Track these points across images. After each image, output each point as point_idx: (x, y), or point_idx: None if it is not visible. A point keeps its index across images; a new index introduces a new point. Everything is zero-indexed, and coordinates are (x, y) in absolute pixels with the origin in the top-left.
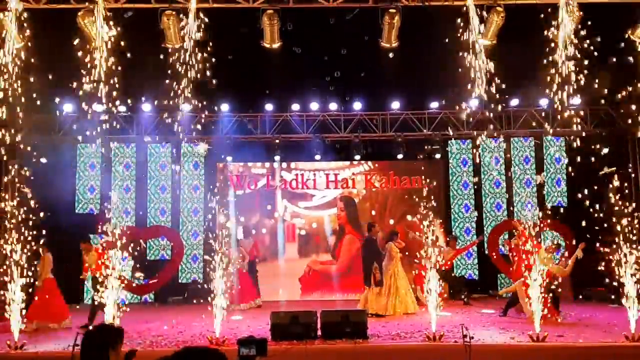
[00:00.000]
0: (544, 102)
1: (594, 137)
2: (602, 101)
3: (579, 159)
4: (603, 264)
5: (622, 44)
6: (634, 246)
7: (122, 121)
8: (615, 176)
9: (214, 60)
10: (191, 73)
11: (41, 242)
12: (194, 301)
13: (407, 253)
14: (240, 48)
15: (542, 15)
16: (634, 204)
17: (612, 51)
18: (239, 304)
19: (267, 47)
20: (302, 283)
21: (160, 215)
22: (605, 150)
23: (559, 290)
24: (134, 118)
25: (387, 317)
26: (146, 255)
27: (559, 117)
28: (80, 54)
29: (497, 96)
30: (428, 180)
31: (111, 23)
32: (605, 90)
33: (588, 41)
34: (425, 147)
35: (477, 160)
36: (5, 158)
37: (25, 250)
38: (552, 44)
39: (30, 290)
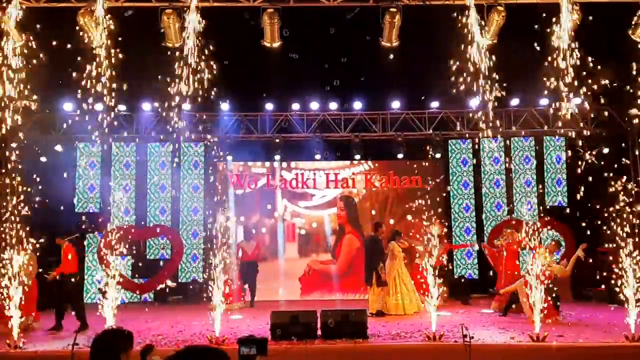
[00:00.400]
0: (544, 102)
1: (595, 137)
2: (603, 101)
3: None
4: (603, 264)
5: (623, 44)
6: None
7: (122, 120)
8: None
9: (214, 59)
10: (191, 72)
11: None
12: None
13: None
14: (240, 47)
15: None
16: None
17: (613, 51)
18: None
19: (268, 46)
20: (302, 283)
21: (160, 214)
22: (606, 150)
23: (556, 289)
24: (133, 117)
25: (388, 316)
26: (146, 255)
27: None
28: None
29: (498, 96)
30: (429, 179)
31: (110, 22)
32: (606, 90)
33: (588, 41)
34: (426, 147)
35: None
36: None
37: (25, 249)
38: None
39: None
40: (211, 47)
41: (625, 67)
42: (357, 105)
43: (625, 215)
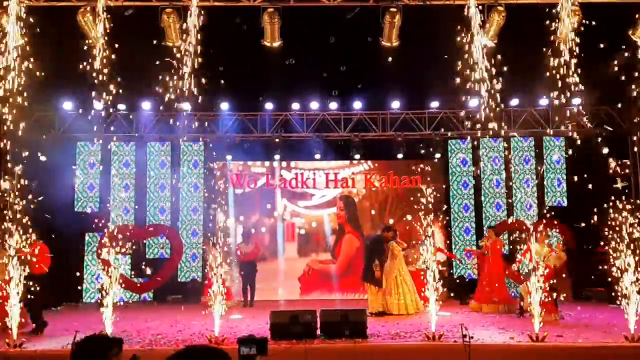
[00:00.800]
0: (544, 102)
1: (595, 138)
2: (603, 101)
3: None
4: (603, 264)
5: (623, 44)
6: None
7: (122, 119)
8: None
9: (214, 59)
10: (191, 71)
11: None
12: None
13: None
14: (240, 47)
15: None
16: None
17: (613, 51)
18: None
19: (268, 45)
20: (302, 282)
21: (160, 213)
22: (606, 151)
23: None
24: (133, 116)
25: (388, 316)
26: (145, 254)
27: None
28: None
29: (498, 96)
30: (429, 179)
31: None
32: (606, 90)
33: (589, 41)
34: (425, 147)
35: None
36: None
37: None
38: (553, 44)
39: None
40: (211, 47)
41: (625, 67)
42: (357, 105)
43: (624, 216)
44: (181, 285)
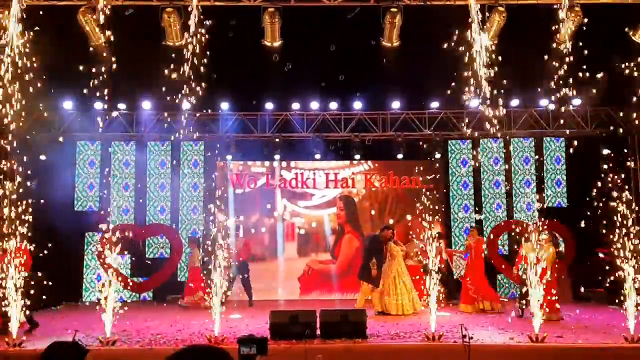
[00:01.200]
0: (544, 103)
1: (595, 138)
2: (603, 101)
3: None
4: (602, 265)
5: (624, 45)
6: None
7: (122, 119)
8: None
9: (214, 58)
10: (191, 71)
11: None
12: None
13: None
14: (241, 46)
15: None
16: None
17: (614, 52)
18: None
19: (268, 45)
20: (301, 282)
21: (160, 213)
22: (606, 151)
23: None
24: (133, 116)
25: (388, 316)
26: (145, 254)
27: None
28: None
29: (498, 96)
30: (430, 178)
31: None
32: (606, 91)
33: (589, 41)
34: (425, 147)
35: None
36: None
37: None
38: (554, 44)
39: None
40: (212, 46)
41: (625, 67)
42: (357, 105)
43: (624, 216)
44: (181, 285)
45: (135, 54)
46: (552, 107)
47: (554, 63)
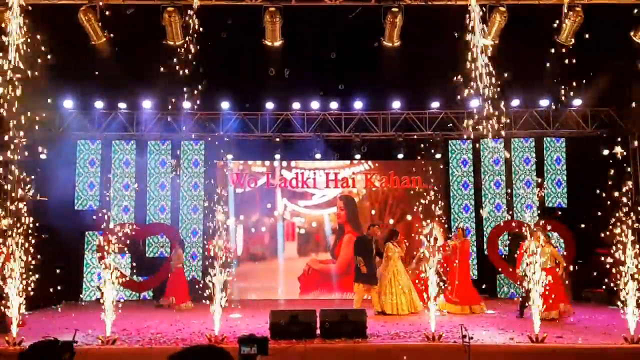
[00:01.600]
0: (544, 103)
1: (595, 138)
2: (603, 102)
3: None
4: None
5: (624, 45)
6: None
7: (122, 118)
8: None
9: (215, 58)
10: (192, 70)
11: None
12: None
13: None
14: (241, 46)
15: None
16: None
17: (615, 52)
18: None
19: (269, 45)
20: (301, 282)
21: (160, 212)
22: (606, 152)
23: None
24: (134, 115)
25: (389, 316)
26: (145, 253)
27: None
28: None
29: (498, 96)
30: (431, 180)
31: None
32: (606, 91)
33: (590, 42)
34: (425, 148)
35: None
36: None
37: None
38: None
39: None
40: (212, 46)
41: (625, 67)
42: (358, 104)
43: (624, 217)
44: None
45: (136, 53)
46: (552, 107)
47: (554, 63)
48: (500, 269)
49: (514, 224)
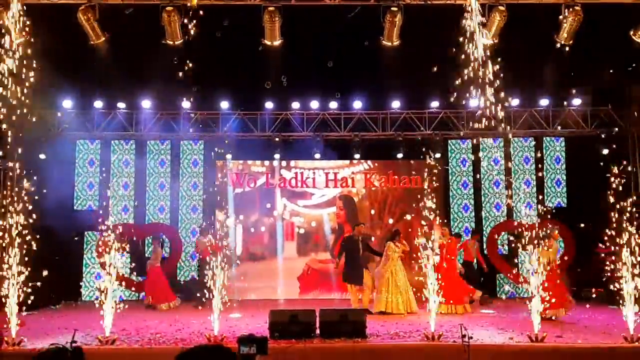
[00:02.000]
0: (544, 103)
1: (594, 138)
2: (603, 102)
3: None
4: (602, 264)
5: (624, 45)
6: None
7: (122, 118)
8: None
9: (214, 57)
10: (191, 70)
11: None
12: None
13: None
14: (240, 45)
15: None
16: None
17: (614, 51)
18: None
19: (268, 44)
20: (301, 282)
21: (159, 212)
22: (606, 151)
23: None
24: (133, 115)
25: (387, 316)
26: (144, 253)
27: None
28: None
29: (498, 96)
30: (433, 178)
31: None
32: (606, 91)
33: (590, 41)
34: (425, 147)
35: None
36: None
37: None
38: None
39: None
40: (212, 45)
41: (625, 67)
42: (357, 104)
43: (624, 216)
44: (180, 284)
45: (135, 52)
46: (552, 106)
47: (554, 62)
48: (500, 269)
49: (516, 224)
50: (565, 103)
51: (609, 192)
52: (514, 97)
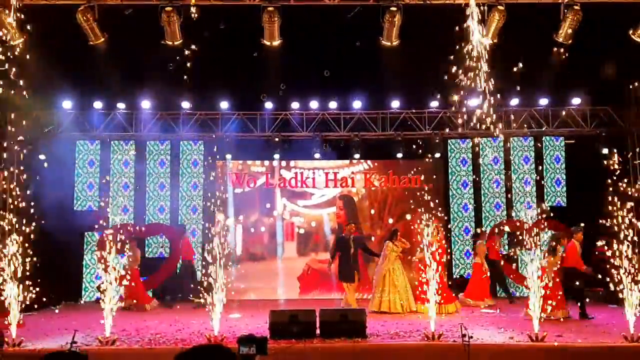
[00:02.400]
0: (543, 102)
1: (594, 137)
2: (602, 101)
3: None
4: (602, 264)
5: (624, 44)
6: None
7: (121, 118)
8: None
9: (214, 57)
10: (191, 70)
11: None
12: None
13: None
14: (240, 45)
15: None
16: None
17: (614, 51)
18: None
19: (268, 44)
20: (301, 282)
21: (159, 212)
22: (605, 151)
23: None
24: (133, 115)
25: (387, 315)
26: (144, 253)
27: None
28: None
29: (498, 95)
30: (433, 176)
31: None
32: (606, 90)
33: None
34: (425, 147)
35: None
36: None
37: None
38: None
39: None
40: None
41: (625, 67)
42: (357, 104)
43: (624, 216)
44: (180, 285)
45: (135, 53)
46: (551, 106)
47: (553, 62)
48: (502, 269)
49: (517, 224)
50: (565, 102)
51: (608, 192)
52: (513, 96)
